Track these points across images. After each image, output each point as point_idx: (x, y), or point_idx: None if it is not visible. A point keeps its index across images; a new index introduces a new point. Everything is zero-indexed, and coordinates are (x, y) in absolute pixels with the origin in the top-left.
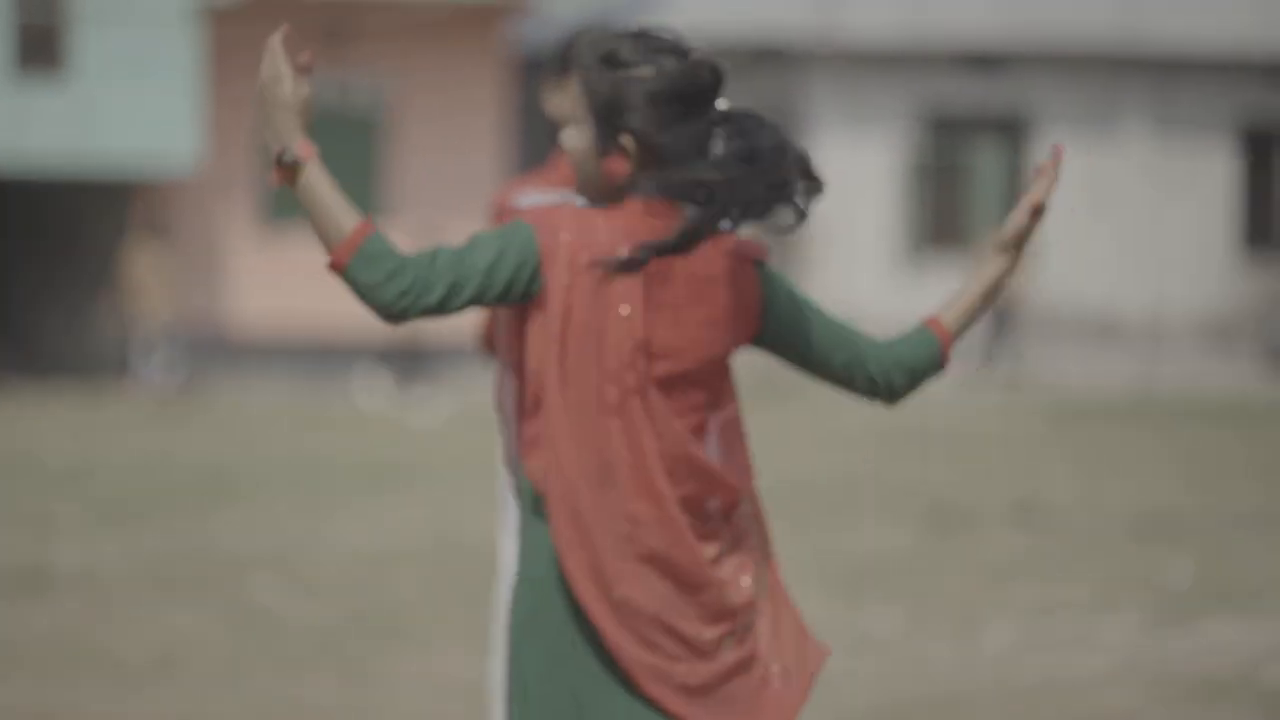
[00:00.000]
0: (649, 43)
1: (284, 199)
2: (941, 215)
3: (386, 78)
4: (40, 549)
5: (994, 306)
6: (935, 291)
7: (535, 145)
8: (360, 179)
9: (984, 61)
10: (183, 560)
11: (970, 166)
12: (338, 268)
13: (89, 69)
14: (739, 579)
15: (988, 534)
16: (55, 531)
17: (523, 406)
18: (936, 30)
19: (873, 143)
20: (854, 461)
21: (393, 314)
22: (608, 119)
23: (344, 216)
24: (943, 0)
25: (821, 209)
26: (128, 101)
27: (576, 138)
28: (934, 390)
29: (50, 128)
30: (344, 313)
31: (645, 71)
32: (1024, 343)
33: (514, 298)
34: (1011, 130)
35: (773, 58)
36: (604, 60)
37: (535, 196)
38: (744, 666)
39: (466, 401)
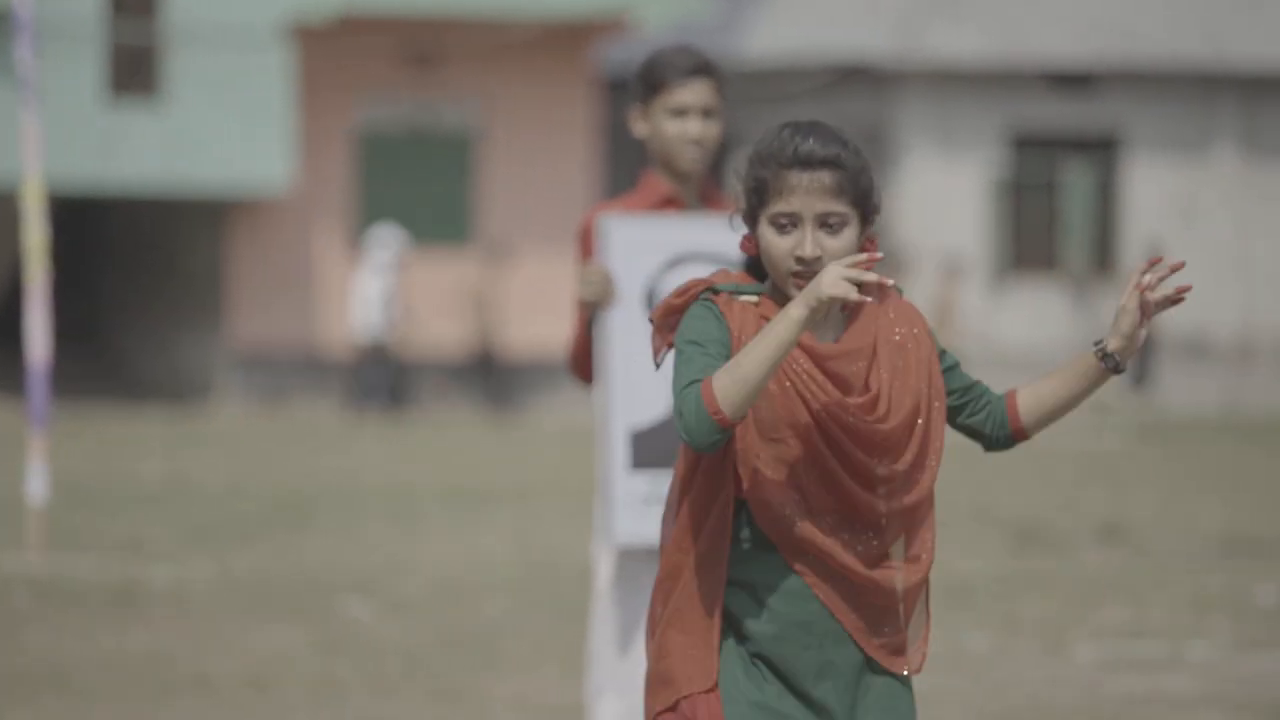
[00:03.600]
0: None
1: (373, 220)
2: (1031, 236)
3: (476, 98)
4: (132, 570)
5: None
6: (1025, 312)
7: (623, 167)
8: (450, 199)
9: (1073, 81)
10: (273, 582)
11: (1060, 186)
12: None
13: (181, 91)
14: None
15: (1076, 554)
16: (147, 553)
17: None
18: (1025, 50)
19: (961, 163)
20: (942, 480)
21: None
22: None
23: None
24: (1031, 20)
25: (910, 229)
26: (220, 123)
27: None
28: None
29: (144, 150)
30: (431, 333)
31: None
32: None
33: None
34: (1101, 150)
35: (859, 78)
36: None
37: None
38: None
39: (558, 421)
